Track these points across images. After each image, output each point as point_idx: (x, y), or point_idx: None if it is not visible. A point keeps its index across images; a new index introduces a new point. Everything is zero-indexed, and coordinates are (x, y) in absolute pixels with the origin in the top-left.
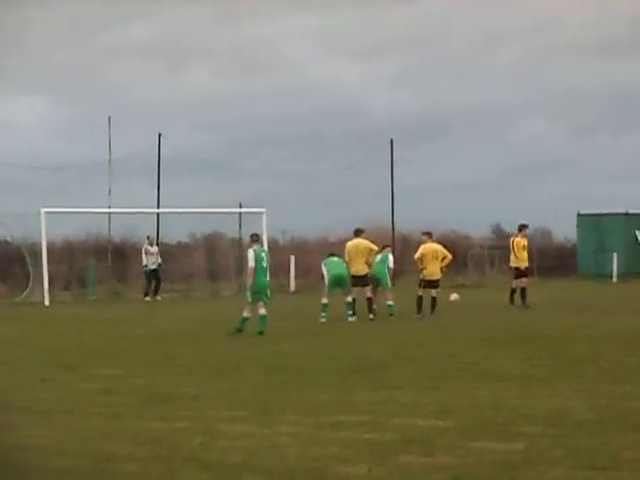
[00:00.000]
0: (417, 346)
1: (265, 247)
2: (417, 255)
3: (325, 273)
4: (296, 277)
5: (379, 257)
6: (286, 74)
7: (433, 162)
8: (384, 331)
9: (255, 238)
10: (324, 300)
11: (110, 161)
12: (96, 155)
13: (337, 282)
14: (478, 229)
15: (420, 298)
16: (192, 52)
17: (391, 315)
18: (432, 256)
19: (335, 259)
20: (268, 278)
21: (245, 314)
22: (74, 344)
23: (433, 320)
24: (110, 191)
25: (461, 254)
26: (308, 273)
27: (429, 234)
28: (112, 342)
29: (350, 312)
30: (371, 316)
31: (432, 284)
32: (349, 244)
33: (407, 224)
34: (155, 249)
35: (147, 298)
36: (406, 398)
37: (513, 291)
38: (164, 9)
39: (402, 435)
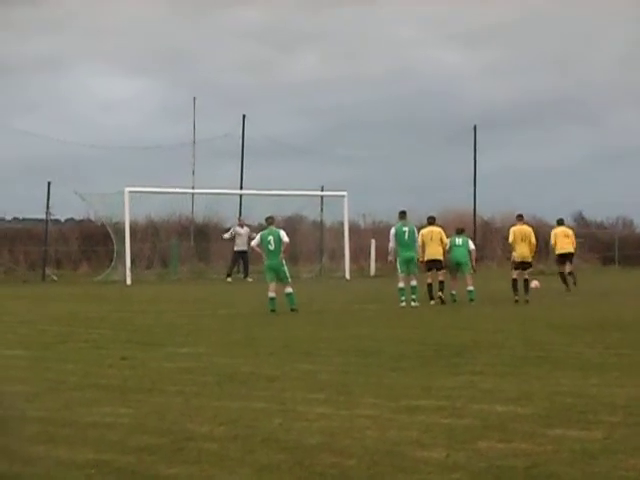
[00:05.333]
0: (496, 332)
1: (278, 230)
2: (510, 239)
3: (394, 250)
4: (376, 261)
5: (460, 241)
6: (386, 59)
7: (520, 148)
8: (464, 316)
9: (270, 221)
10: (400, 284)
11: (194, 142)
12: (188, 136)
13: (406, 264)
14: (560, 216)
15: (514, 281)
16: (295, 37)
17: (471, 301)
18: (520, 238)
19: (406, 239)
20: (279, 259)
21: (269, 294)
22: (155, 323)
23: (514, 307)
24: (194, 172)
25: (542, 241)
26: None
27: (520, 216)
28: (193, 321)
29: (414, 296)
30: (440, 298)
31: (523, 266)
32: (423, 231)
33: (489, 210)
34: (245, 230)
35: (229, 279)
36: (485, 384)
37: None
38: None
39: (481, 421)
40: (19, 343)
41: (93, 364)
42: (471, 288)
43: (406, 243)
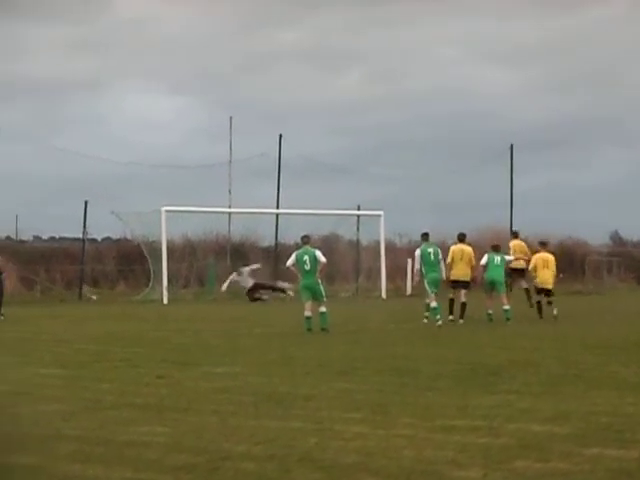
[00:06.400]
0: (533, 351)
1: (314, 250)
2: (531, 266)
3: (419, 271)
4: (413, 280)
5: (498, 259)
6: (423, 78)
7: (557, 168)
8: (499, 335)
9: (305, 240)
10: (433, 304)
11: (231, 162)
12: (226, 155)
13: (435, 284)
14: (596, 236)
15: (538, 303)
16: (334, 57)
17: (508, 320)
18: (543, 265)
19: (432, 259)
20: (315, 278)
21: (305, 313)
22: (192, 342)
23: (550, 326)
24: (230, 191)
25: (579, 261)
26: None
27: (543, 244)
28: (230, 340)
29: (438, 316)
30: (461, 321)
31: (545, 292)
32: (454, 248)
33: (525, 229)
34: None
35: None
36: (522, 403)
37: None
38: (310, 14)
39: (517, 440)
40: (56, 362)
41: (129, 383)
42: (507, 307)
43: (432, 263)
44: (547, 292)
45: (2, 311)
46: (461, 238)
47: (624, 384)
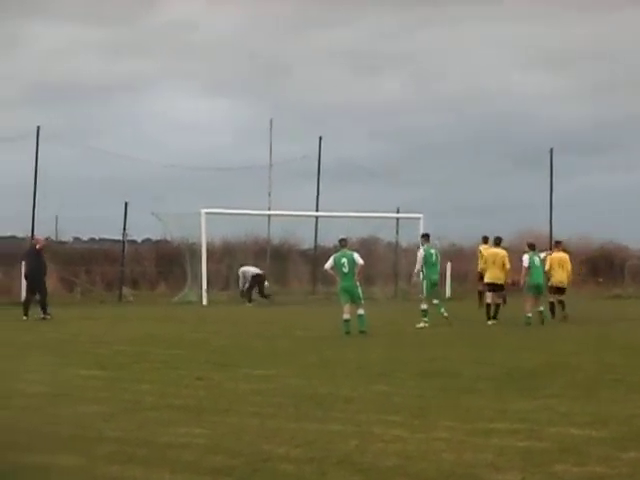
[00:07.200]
0: (571, 355)
1: (352, 252)
2: (547, 267)
3: (420, 272)
4: (452, 283)
5: (537, 260)
6: (464, 81)
7: (598, 171)
8: (538, 339)
9: (343, 243)
10: (424, 306)
11: (270, 164)
12: (266, 158)
13: (434, 287)
14: (636, 239)
15: (551, 304)
16: (376, 59)
17: (545, 318)
18: (559, 265)
19: (434, 261)
20: (354, 281)
21: (344, 316)
22: (231, 344)
23: (587, 329)
24: (270, 194)
25: (618, 265)
26: (464, 280)
27: (557, 243)
28: (269, 343)
29: (426, 319)
30: (493, 322)
31: (559, 291)
32: (488, 252)
33: (565, 233)
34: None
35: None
36: (561, 407)
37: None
38: (352, 16)
39: (556, 444)
40: (96, 363)
41: (169, 384)
42: (542, 308)
43: (434, 264)
44: (561, 291)
45: (49, 310)
46: (497, 242)
47: None
